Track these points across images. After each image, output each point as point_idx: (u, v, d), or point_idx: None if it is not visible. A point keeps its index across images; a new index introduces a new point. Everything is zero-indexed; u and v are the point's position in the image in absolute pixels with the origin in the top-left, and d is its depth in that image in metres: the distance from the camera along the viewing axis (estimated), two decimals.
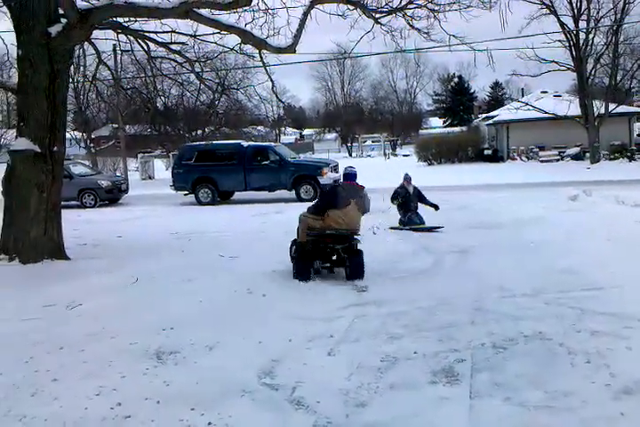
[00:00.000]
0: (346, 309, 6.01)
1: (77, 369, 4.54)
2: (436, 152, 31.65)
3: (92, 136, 30.13)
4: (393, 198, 11.82)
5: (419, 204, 11.76)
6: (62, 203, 9.41)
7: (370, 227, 10.12)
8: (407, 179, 12.05)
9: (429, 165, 31.18)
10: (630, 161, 24.47)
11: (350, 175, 7.68)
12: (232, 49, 12.21)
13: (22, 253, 8.46)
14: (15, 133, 9.29)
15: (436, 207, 11.59)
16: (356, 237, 7.43)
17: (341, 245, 7.25)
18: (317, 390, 4.04)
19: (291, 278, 7.30)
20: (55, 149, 8.75)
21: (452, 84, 72.30)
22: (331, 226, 7.28)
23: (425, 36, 11.85)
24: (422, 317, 5.63)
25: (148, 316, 5.89)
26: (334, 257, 7.37)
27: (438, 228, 10.92)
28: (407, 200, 11.65)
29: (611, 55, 26.64)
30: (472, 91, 70.40)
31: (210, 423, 3.61)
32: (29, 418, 3.76)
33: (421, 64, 66.00)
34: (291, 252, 7.75)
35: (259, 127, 38.63)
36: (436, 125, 68.86)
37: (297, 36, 11.02)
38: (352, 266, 7.24)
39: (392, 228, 11.27)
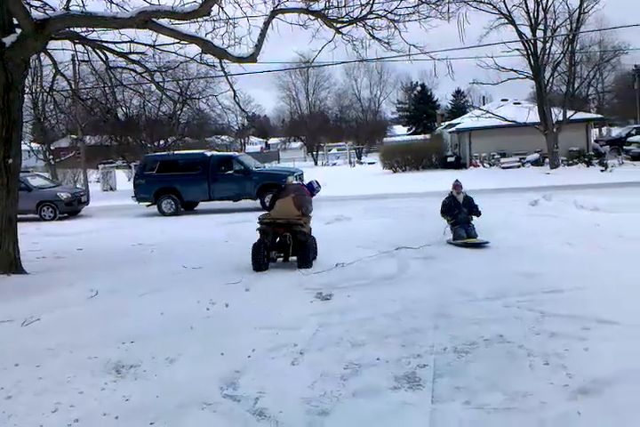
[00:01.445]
0: (310, 317, 5.98)
1: (33, 386, 4.41)
2: (400, 160, 31.95)
3: (52, 147, 29.52)
4: (442, 212, 10.39)
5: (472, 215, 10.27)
6: (20, 216, 9.20)
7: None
8: (457, 186, 10.55)
9: (394, 172, 31.46)
10: (588, 166, 25.11)
11: (307, 185, 9.27)
12: (192, 59, 12.16)
13: None
14: None
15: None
16: (299, 228, 8.46)
17: (289, 233, 8.38)
18: (280, 399, 4.02)
19: (255, 288, 7.26)
20: (10, 161, 8.55)
21: (415, 92, 73.32)
22: (274, 217, 8.53)
23: (386, 45, 12.02)
24: (386, 323, 5.64)
25: (107, 329, 5.78)
26: (286, 248, 8.51)
27: (486, 243, 9.51)
28: (453, 211, 10.19)
29: (567, 63, 27.38)
30: (435, 99, 71.51)
31: None
32: None
33: (384, 73, 67.00)
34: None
35: (223, 137, 38.41)
36: (400, 133, 69.64)
37: (258, 46, 11.04)
38: (300, 255, 8.41)
39: (448, 242, 9.97)
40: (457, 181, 10.74)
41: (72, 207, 18.71)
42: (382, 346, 4.99)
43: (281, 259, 8.66)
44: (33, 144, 29.92)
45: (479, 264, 8.20)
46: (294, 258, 8.60)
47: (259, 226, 8.62)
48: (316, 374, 4.43)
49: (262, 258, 8.29)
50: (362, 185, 23.89)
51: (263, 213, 9.51)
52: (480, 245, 9.47)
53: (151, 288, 7.44)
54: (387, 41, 11.90)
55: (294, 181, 9.71)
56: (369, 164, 43.06)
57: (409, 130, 71.37)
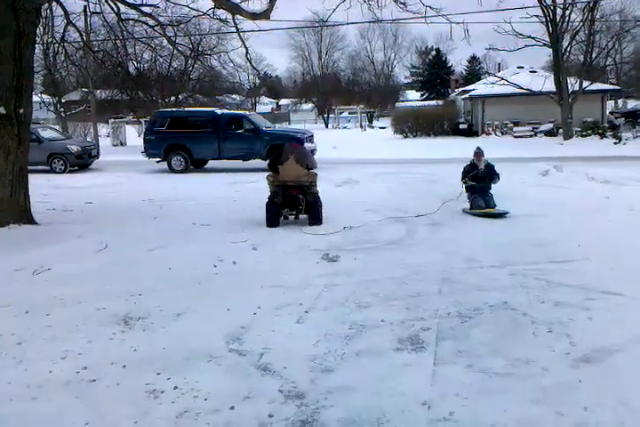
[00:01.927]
0: (316, 278, 6.03)
1: (43, 333, 4.51)
2: (412, 125, 31.58)
3: (62, 100, 29.32)
4: (462, 179, 10.12)
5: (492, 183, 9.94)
6: (31, 167, 9.20)
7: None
8: (478, 153, 10.16)
9: (405, 137, 31.15)
10: (602, 138, 24.77)
11: (294, 138, 10.08)
12: (205, 13, 11.93)
13: None
14: None
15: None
16: (310, 190, 8.87)
17: (300, 194, 8.84)
18: (284, 356, 4.08)
19: (263, 247, 7.32)
20: (21, 111, 8.49)
21: (430, 57, 71.91)
22: (284, 180, 8.86)
23: (402, 6, 11.72)
24: (391, 286, 5.69)
25: (116, 282, 5.86)
26: (300, 207, 8.92)
27: (505, 213, 9.29)
28: (476, 180, 9.87)
29: (586, 32, 26.66)
30: (449, 64, 70.17)
31: (176, 388, 3.63)
32: None
33: (399, 36, 65.73)
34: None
35: (234, 95, 37.98)
36: (413, 98, 68.61)
37: (272, 2, 10.80)
38: (311, 213, 8.85)
39: (464, 211, 9.77)
40: (478, 148, 10.32)
41: (82, 161, 18.68)
42: (387, 308, 5.04)
43: (292, 217, 9.08)
44: (44, 96, 29.68)
45: (486, 232, 8.20)
46: (304, 216, 9.02)
47: (269, 185, 9.06)
48: (320, 333, 4.49)
49: (275, 215, 8.80)
50: (372, 149, 23.72)
51: (268, 173, 9.44)
52: (500, 215, 9.22)
53: (160, 243, 7.50)
54: (403, 1, 11.60)
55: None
56: (380, 128, 42.61)
57: (422, 95, 70.31)
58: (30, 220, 8.72)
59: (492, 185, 9.97)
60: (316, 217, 8.83)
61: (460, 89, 42.25)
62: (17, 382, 3.71)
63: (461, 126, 31.38)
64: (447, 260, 6.68)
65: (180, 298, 5.34)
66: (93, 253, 7.05)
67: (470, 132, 30.68)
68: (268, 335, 4.48)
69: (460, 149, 21.29)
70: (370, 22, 18.39)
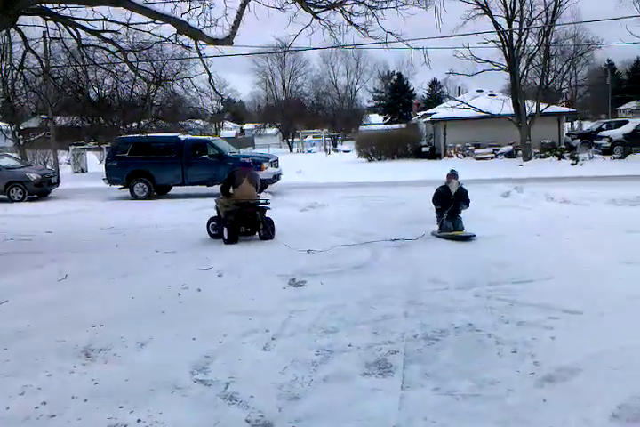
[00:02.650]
0: (282, 304, 5.99)
1: (0, 368, 4.34)
2: (376, 148, 31.97)
3: (21, 127, 28.75)
4: (433, 200, 10.05)
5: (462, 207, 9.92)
6: None
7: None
8: (449, 175, 10.03)
9: (369, 161, 31.50)
10: (560, 159, 25.46)
11: (242, 163, 10.50)
12: (167, 39, 11.93)
13: None
14: None
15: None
16: (265, 206, 9.79)
17: (255, 211, 9.65)
18: (251, 384, 4.03)
19: (229, 273, 7.25)
20: None
21: (392, 81, 73.37)
22: (238, 199, 9.63)
23: (363, 32, 11.95)
24: (358, 310, 5.68)
25: (77, 312, 5.72)
26: (256, 223, 9.73)
27: (472, 236, 9.33)
28: (445, 202, 9.84)
29: (542, 56, 27.63)
30: (411, 88, 71.74)
31: (139, 420, 3.54)
32: None
33: (362, 61, 66.92)
34: (208, 228, 9.99)
35: (197, 121, 37.92)
36: (376, 122, 69.71)
37: (234, 28, 10.87)
38: (265, 229, 9.63)
39: (433, 233, 9.78)
40: (452, 170, 10.15)
41: (42, 188, 18.30)
42: (354, 333, 5.03)
43: (246, 234, 9.82)
44: (1, 124, 29.11)
45: (451, 254, 8.29)
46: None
47: (221, 207, 9.82)
48: (287, 360, 4.45)
49: (234, 232, 9.54)
50: (337, 173, 23.89)
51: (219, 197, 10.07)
52: (467, 238, 9.27)
53: (122, 272, 7.37)
54: (364, 27, 11.82)
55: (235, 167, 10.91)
56: (344, 152, 43.02)
57: (385, 119, 71.49)
58: None
59: (463, 207, 9.97)
60: (271, 231, 9.69)
61: (422, 112, 43.11)
62: None
63: (424, 149, 31.93)
64: (413, 282, 6.73)
65: (143, 328, 5.23)
66: (53, 283, 6.87)
67: (433, 155, 31.23)
68: (234, 364, 4.42)
69: (424, 172, 21.71)
70: (332, 48, 18.75)
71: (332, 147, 48.57)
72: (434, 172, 22.16)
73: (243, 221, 9.62)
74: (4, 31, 10.74)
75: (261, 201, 9.89)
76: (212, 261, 7.91)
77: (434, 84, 73.35)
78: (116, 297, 6.26)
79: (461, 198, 9.94)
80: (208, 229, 9.99)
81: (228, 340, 4.93)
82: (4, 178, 17.25)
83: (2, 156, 19.71)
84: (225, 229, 9.47)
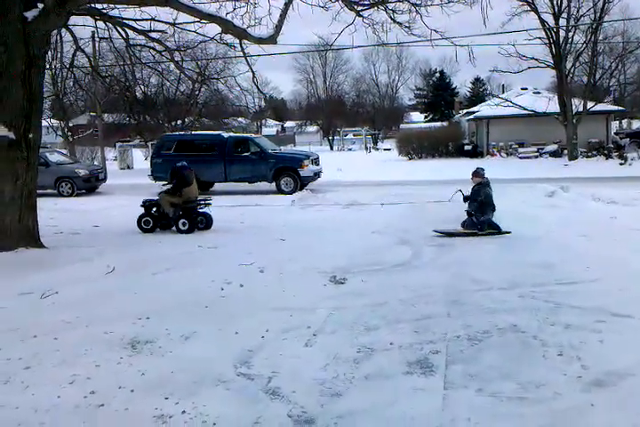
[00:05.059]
0: (323, 300, 6.01)
1: (51, 357, 4.49)
2: (416, 146, 31.77)
3: (70, 124, 29.62)
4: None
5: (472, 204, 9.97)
6: (39, 191, 9.27)
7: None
8: (473, 173, 10.18)
9: (410, 159, 31.29)
10: (607, 159, 24.79)
11: (186, 167, 11.35)
12: (212, 38, 12.10)
13: None
14: None
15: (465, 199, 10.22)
16: (207, 202, 11.20)
17: (200, 209, 11.07)
18: (293, 380, 4.05)
19: (270, 269, 7.32)
20: (31, 135, 8.59)
21: (434, 79, 72.57)
22: (189, 198, 10.96)
23: (406, 30, 11.87)
24: (399, 309, 5.66)
25: (123, 305, 5.85)
26: (199, 217, 10.97)
27: (473, 233, 9.54)
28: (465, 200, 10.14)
29: (590, 53, 26.92)
30: (453, 86, 70.84)
31: (184, 412, 3.60)
32: (0, 406, 3.71)
33: (404, 58, 66.45)
34: (140, 223, 10.89)
35: (240, 118, 38.32)
36: (417, 120, 69.12)
37: (278, 27, 10.95)
38: (207, 221, 10.96)
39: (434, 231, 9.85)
40: (477, 168, 10.34)
41: (90, 184, 18.80)
42: (395, 331, 5.01)
43: (185, 227, 10.75)
44: (52, 121, 30.02)
45: (494, 253, 8.18)
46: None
47: (168, 204, 10.87)
48: (328, 357, 4.46)
49: (193, 226, 10.76)
50: (377, 171, 23.83)
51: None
52: (466, 235, 9.50)
53: (167, 266, 7.51)
54: (408, 25, 11.74)
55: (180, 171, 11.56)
56: (385, 150, 42.85)
57: (426, 117, 70.78)
58: (38, 243, 8.76)
59: (472, 206, 9.87)
60: (210, 225, 10.98)
61: (465, 110, 42.58)
62: (25, 406, 3.69)
63: (466, 148, 31.52)
64: (455, 282, 6.66)
65: (187, 321, 5.33)
66: (101, 276, 7.06)
67: (475, 154, 30.80)
68: (276, 359, 4.45)
69: (465, 171, 21.46)
70: (374, 46, 18.65)
71: (372, 145, 48.40)
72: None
73: (191, 215, 10.89)
74: (56, 31, 11.02)
75: (206, 198, 11.46)
76: (254, 258, 7.99)
77: (477, 81, 72.21)
78: (161, 291, 6.39)
79: (471, 198, 9.96)
80: (140, 225, 10.86)
81: (269, 335, 4.97)
82: (54, 173, 17.77)
83: (52, 152, 20.30)
84: (182, 222, 10.68)
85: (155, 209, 11.03)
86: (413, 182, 19.10)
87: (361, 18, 11.34)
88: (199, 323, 5.28)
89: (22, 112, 8.50)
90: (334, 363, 4.35)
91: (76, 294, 6.26)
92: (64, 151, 25.50)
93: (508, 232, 9.55)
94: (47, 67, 13.12)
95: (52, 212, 12.43)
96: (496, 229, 9.63)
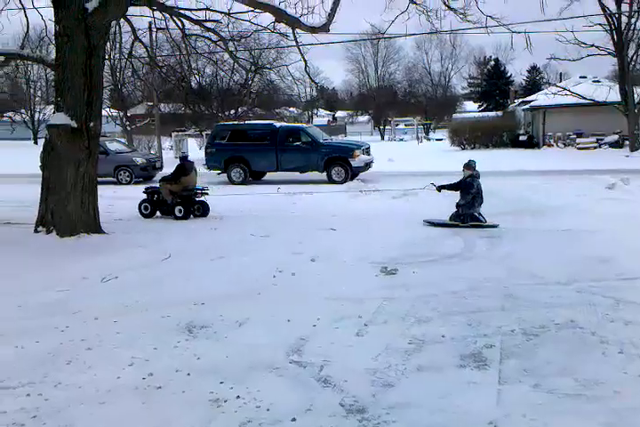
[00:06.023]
0: (374, 290, 6.01)
1: (111, 339, 4.66)
2: (469, 137, 31.16)
3: (128, 114, 30.39)
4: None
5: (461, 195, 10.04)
6: (98, 179, 9.56)
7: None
8: (466, 166, 10.17)
9: (463, 149, 30.74)
10: None
11: (187, 157, 12.05)
12: (266, 28, 12.15)
13: (59, 225, 8.65)
14: (53, 109, 9.43)
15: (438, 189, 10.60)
16: (204, 192, 11.57)
17: (196, 197, 11.51)
18: (344, 369, 4.07)
19: (322, 259, 7.36)
20: (91, 124, 8.86)
21: (488, 67, 70.77)
22: (187, 186, 11.41)
23: (461, 16, 11.62)
24: (451, 301, 5.60)
25: (179, 291, 6.01)
26: (196, 205, 11.49)
27: (454, 225, 9.70)
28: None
29: None
30: (508, 75, 68.84)
31: (238, 397, 3.67)
32: (64, 385, 3.88)
33: (457, 46, 64.85)
34: (140, 208, 11.49)
35: (291, 108, 38.47)
36: (470, 109, 67.60)
37: (331, 15, 10.90)
38: (203, 209, 11.45)
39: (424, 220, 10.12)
40: (469, 160, 10.27)
41: (147, 172, 19.24)
42: (447, 323, 4.97)
43: (181, 213, 11.23)
44: (111, 110, 30.86)
45: (549, 247, 7.96)
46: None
47: (167, 191, 11.36)
48: (380, 347, 4.46)
49: (188, 212, 11.23)
50: (429, 161, 23.48)
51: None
52: (449, 226, 9.62)
53: (220, 254, 7.65)
54: (462, 11, 11.48)
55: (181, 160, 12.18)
56: (437, 140, 42.26)
57: (480, 106, 69.21)
58: (98, 229, 9.05)
59: (465, 198, 9.83)
60: (206, 212, 11.44)
61: (520, 100, 41.38)
62: (87, 386, 3.85)
63: (521, 138, 30.70)
64: (509, 275, 6.53)
65: (240, 308, 5.42)
66: (158, 262, 7.25)
67: (530, 144, 29.97)
68: (327, 348, 4.48)
69: (520, 162, 20.93)
70: (429, 33, 18.32)
71: (423, 135, 47.79)
72: (531, 162, 21.41)
73: (188, 202, 11.34)
74: (115, 22, 11.30)
75: (203, 187, 11.77)
76: (305, 247, 8.04)
77: (533, 69, 69.98)
78: (215, 277, 6.52)
79: (464, 190, 9.94)
80: (140, 210, 11.44)
81: (321, 324, 5.01)
82: (112, 162, 18.27)
83: (111, 141, 20.86)
84: (178, 208, 11.17)
85: (155, 196, 11.57)
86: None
87: (415, 5, 11.17)
88: (252, 310, 5.37)
89: (83, 101, 8.76)
90: (386, 353, 4.35)
91: (134, 278, 6.46)
92: (122, 140, 26.20)
93: (495, 226, 9.51)
94: (106, 57, 13.49)
95: (111, 199, 12.79)
96: (480, 222, 9.64)
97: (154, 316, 5.19)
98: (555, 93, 27.45)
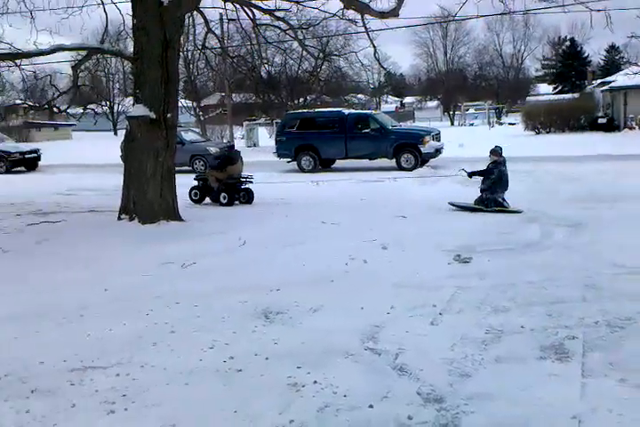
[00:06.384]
0: (448, 279, 5.94)
1: (192, 323, 4.83)
2: (544, 120, 29.99)
3: (201, 104, 31.12)
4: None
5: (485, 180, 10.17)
6: (176, 168, 9.87)
7: None
8: (492, 152, 10.26)
9: (537, 133, 29.66)
10: None
11: (233, 147, 12.73)
12: (334, 14, 12.12)
13: (140, 213, 9.04)
14: (132, 100, 9.80)
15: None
16: (249, 180, 12.08)
17: (241, 185, 12.00)
18: (420, 358, 4.06)
19: (393, 246, 7.34)
20: (169, 115, 9.15)
21: (564, 47, 67.65)
22: (232, 175, 11.84)
23: None
24: (529, 291, 5.46)
25: (255, 277, 6.15)
26: (242, 192, 11.95)
27: (475, 208, 9.93)
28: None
29: None
30: (585, 55, 65.61)
31: (315, 382, 3.73)
32: (150, 366, 4.06)
33: (530, 27, 62.41)
34: (190, 194, 12.09)
35: (359, 95, 38.24)
36: (545, 92, 65.02)
37: (400, 0, 10.74)
38: (249, 196, 11.89)
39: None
40: (495, 146, 10.35)
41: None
42: (526, 314, 4.85)
43: (225, 200, 11.68)
44: (185, 101, 31.70)
45: (632, 235, 7.57)
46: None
47: (213, 179, 11.86)
48: (455, 337, 4.41)
49: (232, 199, 11.70)
50: (502, 146, 22.79)
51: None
52: (473, 210, 9.86)
53: (293, 241, 7.76)
54: None
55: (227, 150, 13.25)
56: (509, 124, 40.94)
57: (554, 88, 66.42)
58: (177, 216, 9.38)
59: (485, 183, 10.03)
60: (252, 199, 11.87)
61: (599, 81, 39.43)
62: (171, 368, 4.01)
63: (600, 121, 29.28)
64: (590, 264, 6.29)
65: (314, 294, 5.49)
66: (234, 248, 7.45)
67: (610, 127, 28.56)
68: (402, 336, 4.48)
69: (599, 146, 19.99)
70: (502, 14, 17.70)
71: (495, 119, 46.43)
72: (611, 146, 20.39)
73: (232, 190, 11.77)
74: (189, 14, 11.55)
75: (248, 176, 12.14)
76: (375, 234, 8.02)
77: (612, 49, 66.35)
78: (289, 264, 6.63)
79: (485, 175, 10.13)
80: (190, 196, 12.01)
81: (395, 312, 5.01)
82: (188, 151, 18.84)
83: (187, 130, 21.48)
84: (223, 195, 11.62)
85: (203, 183, 12.15)
86: (541, 158, 18.10)
87: None
88: (325, 296, 5.43)
89: (160, 93, 9.05)
90: (461, 343, 4.30)
91: (212, 264, 6.66)
92: (196, 130, 26.88)
93: (519, 211, 9.60)
94: (180, 49, 13.82)
95: (187, 187, 13.20)
96: (503, 207, 9.76)
97: (232, 301, 5.34)
98: (636, 73, 25.97)
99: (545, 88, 68.15)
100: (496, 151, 10.20)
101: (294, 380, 3.77)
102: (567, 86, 62.62)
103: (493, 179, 9.89)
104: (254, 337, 4.51)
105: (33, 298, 5.67)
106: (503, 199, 9.84)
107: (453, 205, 10.18)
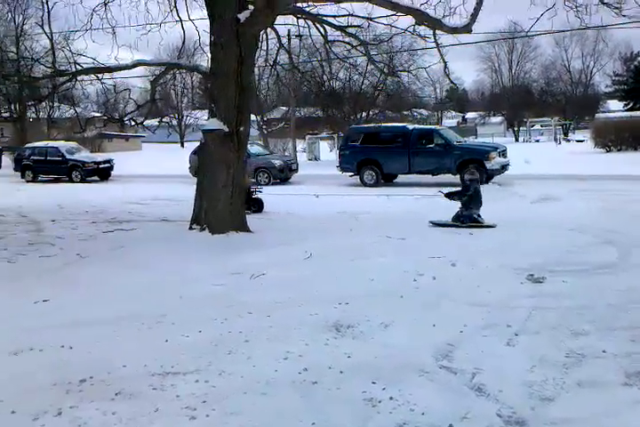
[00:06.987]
0: (522, 299, 5.79)
1: (265, 333, 4.90)
2: (615, 138, 28.97)
3: (265, 118, 31.70)
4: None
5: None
6: None
7: None
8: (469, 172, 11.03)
9: (608, 151, 28.65)
10: None
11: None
12: (405, 30, 12.16)
13: (211, 224, 9.26)
14: (207, 114, 10.09)
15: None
16: (258, 190, 12.72)
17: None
18: (498, 379, 3.97)
19: (462, 263, 7.24)
20: (241, 129, 9.37)
21: (636, 63, 65.33)
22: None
23: (616, 11, 10.87)
24: (610, 314, 5.26)
25: (323, 289, 6.18)
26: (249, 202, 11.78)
27: (455, 225, 10.14)
28: None
29: None
30: None
31: (392, 398, 3.71)
32: (227, 374, 4.13)
33: (600, 42, 60.56)
34: None
35: (420, 110, 38.06)
36: (615, 109, 62.86)
37: (474, 15, 10.65)
38: (259, 206, 12.34)
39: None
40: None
41: (283, 174, 20.00)
42: (607, 337, 4.67)
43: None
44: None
45: None
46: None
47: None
48: (534, 358, 4.30)
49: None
50: (569, 164, 22.17)
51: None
52: (451, 226, 10.07)
53: (359, 255, 7.76)
54: (617, 5, 10.72)
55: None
56: (577, 141, 39.73)
57: (625, 105, 64.13)
58: (246, 227, 9.56)
59: (462, 200, 10.40)
60: (262, 208, 12.35)
61: None
62: (248, 377, 4.07)
63: None
64: None
65: (384, 309, 5.46)
66: (301, 260, 7.52)
67: None
68: (477, 355, 4.39)
69: None
70: (577, 30, 17.31)
71: (562, 136, 45.17)
72: None
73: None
74: (263, 30, 11.82)
75: (255, 187, 12.70)
76: (443, 250, 7.93)
77: None
78: (356, 278, 6.62)
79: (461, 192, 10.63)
80: None
81: (468, 330, 4.92)
82: (253, 164, 19.14)
83: (252, 144, 21.94)
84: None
85: None
86: (611, 177, 17.47)
87: (563, 0, 10.62)
88: (396, 312, 5.39)
89: (234, 107, 9.28)
90: (541, 366, 4.18)
91: (279, 275, 6.74)
92: (261, 143, 27.38)
93: (492, 226, 9.97)
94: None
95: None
96: (478, 222, 10.11)
97: (302, 312, 5.37)
98: None
99: (615, 105, 65.86)
100: (472, 171, 11.09)
101: (370, 395, 3.76)
102: (639, 103, 60.33)
103: (468, 195, 10.35)
104: (327, 350, 4.53)
105: (111, 303, 5.88)
106: (478, 215, 10.26)
107: (434, 223, 10.35)
